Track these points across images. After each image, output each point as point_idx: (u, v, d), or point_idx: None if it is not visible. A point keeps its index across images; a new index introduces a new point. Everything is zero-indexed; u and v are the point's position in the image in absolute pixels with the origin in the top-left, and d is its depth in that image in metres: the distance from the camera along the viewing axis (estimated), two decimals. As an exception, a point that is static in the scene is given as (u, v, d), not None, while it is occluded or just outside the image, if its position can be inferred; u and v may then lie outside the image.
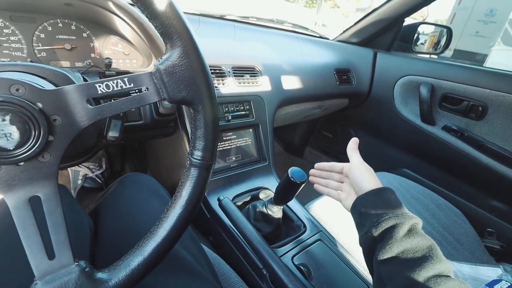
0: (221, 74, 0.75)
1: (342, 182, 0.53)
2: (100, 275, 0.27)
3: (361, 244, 0.43)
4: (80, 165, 0.88)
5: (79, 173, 0.89)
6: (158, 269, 0.36)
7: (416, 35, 1.21)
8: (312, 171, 0.57)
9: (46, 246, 0.26)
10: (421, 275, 0.34)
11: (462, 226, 0.84)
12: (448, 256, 0.74)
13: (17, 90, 0.24)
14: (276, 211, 0.60)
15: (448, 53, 5.96)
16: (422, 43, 1.35)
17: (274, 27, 1.17)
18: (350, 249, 0.64)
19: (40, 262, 0.25)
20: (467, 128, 0.97)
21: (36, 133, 0.25)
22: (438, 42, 1.32)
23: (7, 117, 0.23)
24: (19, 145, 0.24)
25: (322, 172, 0.55)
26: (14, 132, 0.24)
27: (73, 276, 0.26)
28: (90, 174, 0.89)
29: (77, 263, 0.27)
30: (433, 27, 1.33)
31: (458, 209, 0.89)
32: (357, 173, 0.47)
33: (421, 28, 1.21)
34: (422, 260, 0.35)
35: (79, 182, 0.88)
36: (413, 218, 0.40)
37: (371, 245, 0.40)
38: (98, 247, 0.44)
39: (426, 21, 1.28)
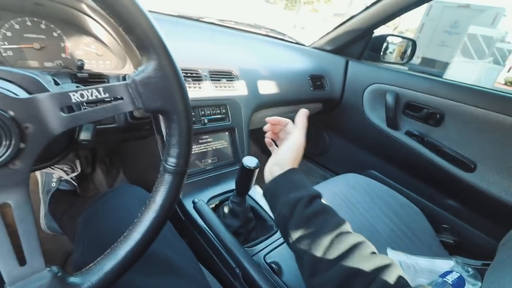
0: (197, 78, 0.76)
1: None
2: (72, 279, 0.28)
3: (276, 225, 0.47)
4: (53, 168, 0.85)
5: (53, 176, 0.86)
6: (146, 271, 0.37)
7: (385, 45, 1.29)
8: (267, 128, 0.58)
9: (17, 252, 0.26)
10: (325, 240, 0.38)
11: (420, 223, 0.92)
12: (408, 250, 0.81)
13: (-13, 98, 0.24)
14: (240, 202, 0.63)
15: (417, 60, 6.36)
16: (391, 52, 1.44)
17: (251, 32, 1.19)
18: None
19: (11, 268, 0.26)
20: (426, 133, 1.05)
21: (7, 141, 0.25)
22: (405, 52, 1.42)
23: (-23, 126, 0.24)
24: (-11, 153, 0.24)
25: (276, 127, 0.57)
26: (-16, 140, 0.24)
27: (45, 282, 0.26)
28: (65, 177, 0.86)
29: (49, 269, 0.27)
30: (400, 38, 1.43)
31: (418, 207, 0.97)
32: (289, 148, 0.50)
33: (389, 39, 1.29)
34: (323, 222, 0.40)
35: (53, 184, 0.85)
36: (311, 190, 0.44)
37: (284, 225, 0.43)
38: (85, 255, 0.45)
39: (398, 29, 1.37)
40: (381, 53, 1.29)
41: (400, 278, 0.34)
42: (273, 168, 0.49)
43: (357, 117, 1.23)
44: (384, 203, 0.93)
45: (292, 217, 0.42)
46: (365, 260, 0.35)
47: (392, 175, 1.22)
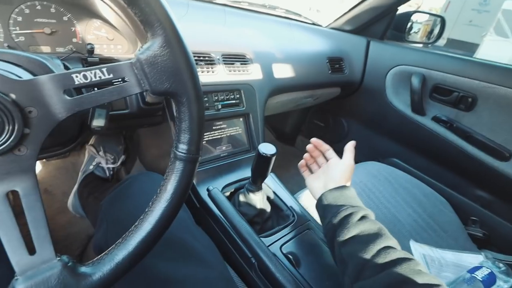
0: (210, 62, 0.73)
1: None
2: (83, 269, 0.27)
3: (324, 233, 0.50)
4: (99, 153, 0.87)
5: (94, 159, 0.88)
6: (167, 256, 0.36)
7: (409, 23, 1.20)
8: (309, 147, 0.63)
9: (27, 241, 0.25)
10: (374, 249, 0.40)
11: (447, 215, 0.87)
12: (433, 243, 0.77)
13: (-14, 80, 0.23)
14: (255, 191, 0.61)
15: (441, 42, 5.97)
16: (415, 32, 1.34)
17: (266, 13, 1.14)
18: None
19: (20, 257, 0.25)
20: (456, 119, 0.98)
21: (10, 125, 0.24)
22: (432, 31, 1.31)
23: (-23, 109, 0.22)
24: (-9, 139, 0.23)
25: (315, 151, 0.62)
26: (-14, 125, 0.23)
27: (55, 271, 0.26)
28: (103, 165, 0.88)
29: (59, 258, 0.26)
30: (427, 15, 1.32)
31: (444, 198, 0.91)
32: (343, 169, 0.55)
33: (414, 17, 1.19)
34: (374, 237, 0.42)
35: (91, 167, 0.88)
36: (365, 209, 0.48)
37: (332, 232, 0.46)
38: (107, 236, 0.47)
39: (420, 9, 1.27)
40: (405, 33, 1.20)
41: None
42: (328, 184, 0.54)
43: (378, 102, 1.16)
44: (407, 192, 0.88)
45: (341, 226, 0.45)
46: (413, 274, 0.35)
47: (416, 163, 1.16)
